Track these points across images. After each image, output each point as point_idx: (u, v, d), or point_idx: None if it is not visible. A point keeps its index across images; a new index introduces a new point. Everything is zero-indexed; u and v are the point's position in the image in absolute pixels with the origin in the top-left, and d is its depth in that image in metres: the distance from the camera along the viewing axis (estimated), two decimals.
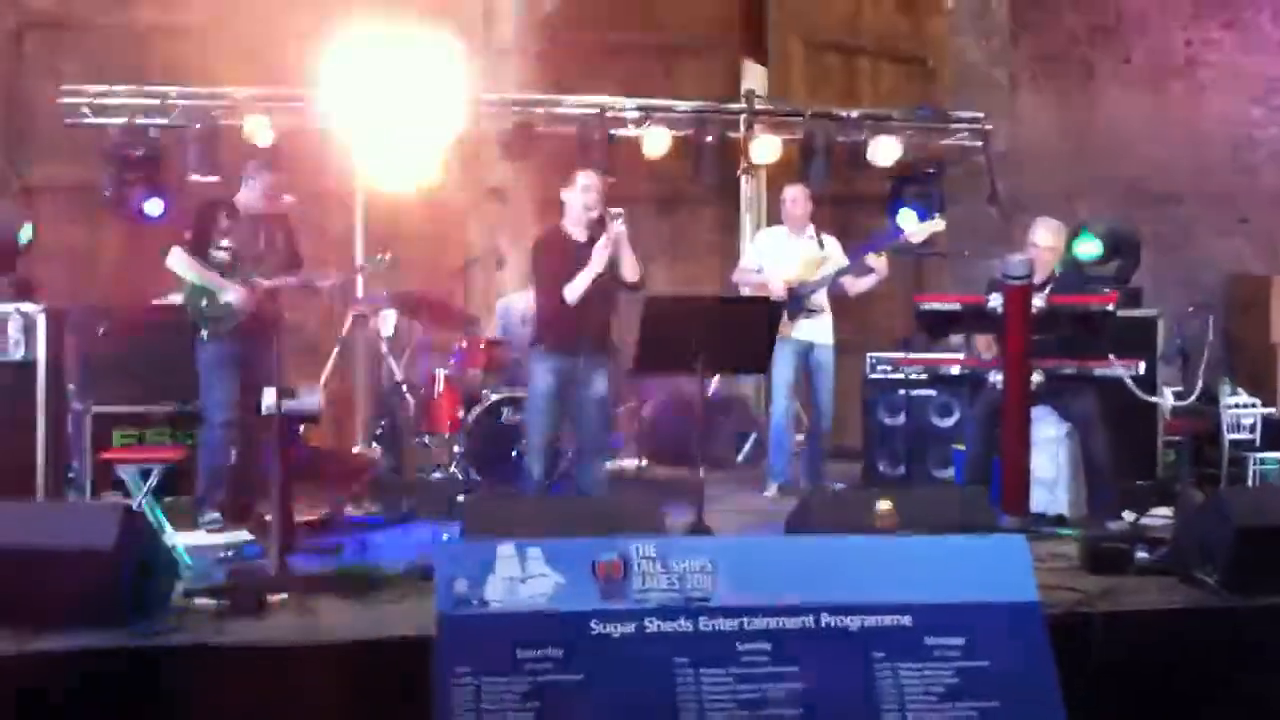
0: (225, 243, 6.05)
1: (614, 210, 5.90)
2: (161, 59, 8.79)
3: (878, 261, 7.19)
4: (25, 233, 7.00)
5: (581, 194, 6.00)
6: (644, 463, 7.90)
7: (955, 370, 6.35)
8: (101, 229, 8.74)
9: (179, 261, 6.04)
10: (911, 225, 7.61)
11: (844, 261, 7.36)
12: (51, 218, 8.40)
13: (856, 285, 7.31)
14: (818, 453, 7.33)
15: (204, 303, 6.02)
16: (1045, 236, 6.13)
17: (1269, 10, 10.44)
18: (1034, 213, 6.57)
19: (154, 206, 8.20)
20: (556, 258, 5.99)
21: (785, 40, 10.05)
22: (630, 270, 5.95)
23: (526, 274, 6.98)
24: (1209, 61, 10.48)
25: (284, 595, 4.19)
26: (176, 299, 6.63)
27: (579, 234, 6.04)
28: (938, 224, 7.36)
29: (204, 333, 6.02)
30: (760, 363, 6.05)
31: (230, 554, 5.15)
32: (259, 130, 8.27)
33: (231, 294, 5.97)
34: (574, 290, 5.86)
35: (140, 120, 8.42)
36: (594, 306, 5.91)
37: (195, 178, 8.24)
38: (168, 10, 8.69)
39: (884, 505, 4.43)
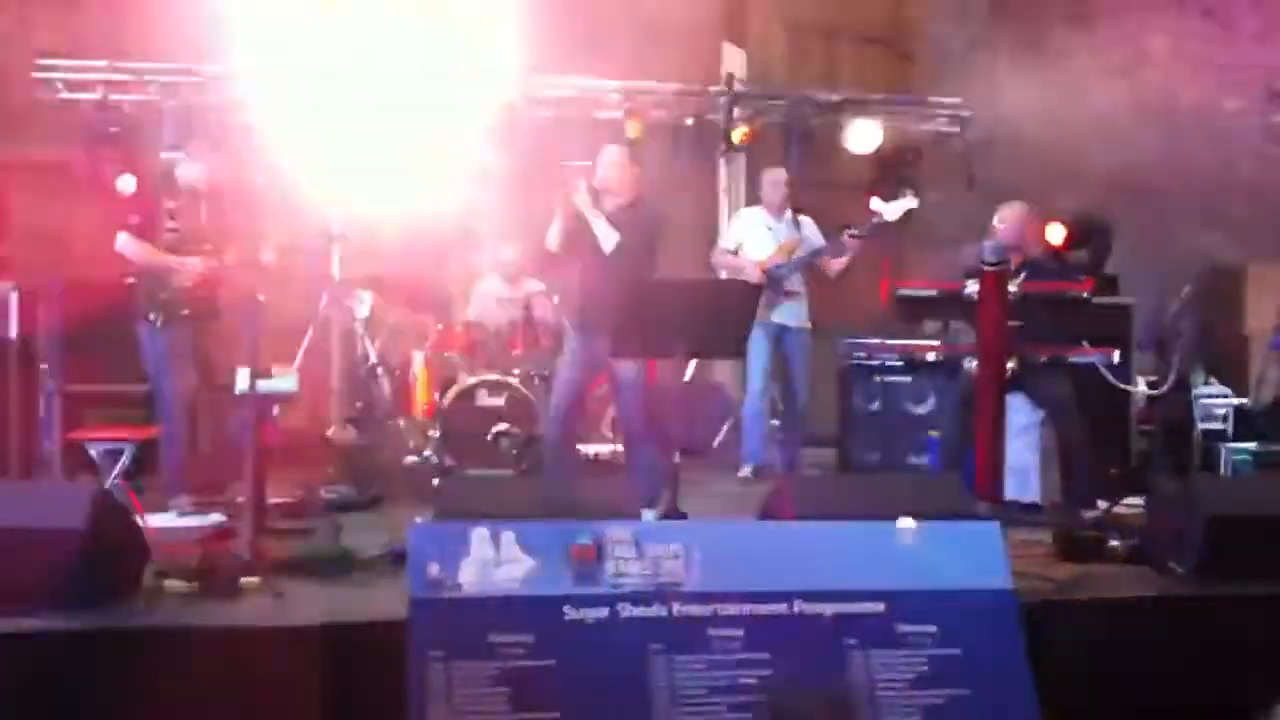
0: (171, 223, 5.94)
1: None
2: (137, 33, 8.72)
3: (852, 242, 7.20)
4: None
5: (609, 169, 5.97)
6: (618, 447, 7.88)
7: (930, 356, 6.35)
8: (75, 206, 8.64)
9: (129, 246, 5.90)
10: (886, 205, 7.60)
11: (821, 243, 7.37)
12: (25, 195, 8.33)
13: (834, 266, 7.31)
14: (793, 437, 7.33)
15: (156, 286, 5.87)
16: (1012, 219, 6.14)
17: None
18: (1011, 200, 6.57)
19: (126, 183, 8.12)
20: (573, 222, 5.92)
21: (766, 24, 10.03)
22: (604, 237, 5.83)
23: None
24: (1187, 51, 10.50)
25: (256, 578, 4.17)
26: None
27: (607, 202, 5.97)
28: (912, 201, 7.33)
29: (156, 320, 5.87)
30: (738, 347, 5.96)
31: (202, 536, 5.12)
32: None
33: (183, 273, 5.85)
34: (550, 236, 5.88)
35: (114, 96, 8.36)
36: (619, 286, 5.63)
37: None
38: None
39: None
